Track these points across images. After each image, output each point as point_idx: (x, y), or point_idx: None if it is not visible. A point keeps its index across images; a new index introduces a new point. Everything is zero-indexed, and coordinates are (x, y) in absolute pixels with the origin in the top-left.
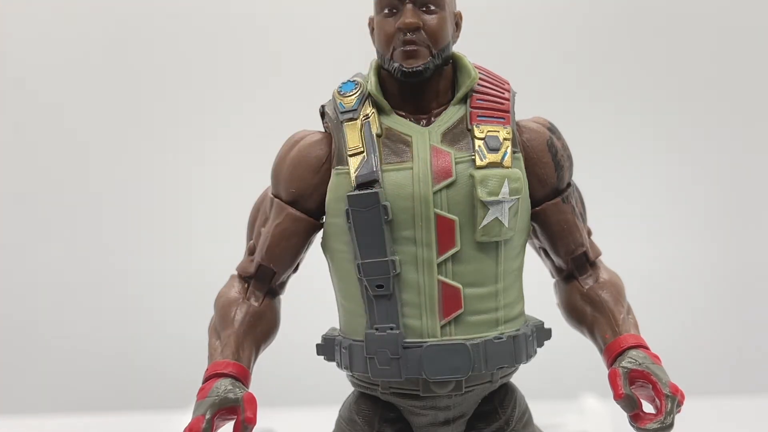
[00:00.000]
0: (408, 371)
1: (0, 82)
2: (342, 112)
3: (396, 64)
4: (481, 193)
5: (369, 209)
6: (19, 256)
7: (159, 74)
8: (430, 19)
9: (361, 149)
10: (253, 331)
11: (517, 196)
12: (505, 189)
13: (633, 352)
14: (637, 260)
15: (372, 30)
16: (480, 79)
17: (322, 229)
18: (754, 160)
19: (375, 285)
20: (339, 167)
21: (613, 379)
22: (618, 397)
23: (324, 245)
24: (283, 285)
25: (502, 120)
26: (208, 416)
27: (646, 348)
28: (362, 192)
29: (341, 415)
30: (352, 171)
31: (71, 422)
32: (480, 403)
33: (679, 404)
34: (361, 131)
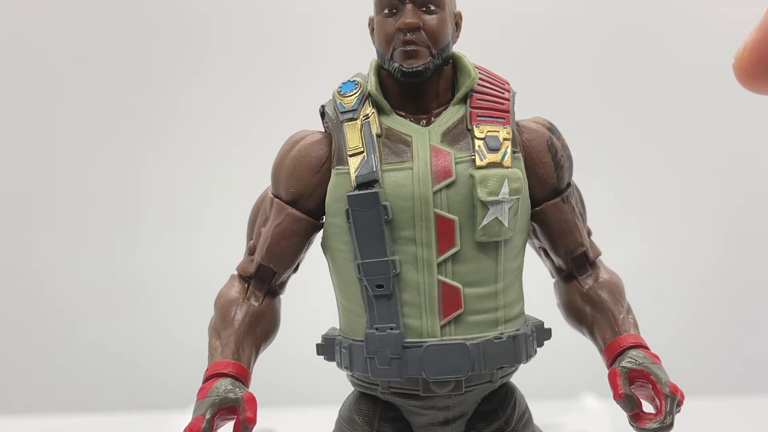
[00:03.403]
0: (408, 371)
1: (2, 80)
2: (342, 112)
3: (396, 64)
4: (481, 193)
5: (369, 209)
6: (20, 256)
7: (161, 74)
8: (430, 19)
9: (361, 149)
10: (253, 331)
11: (517, 196)
12: (505, 189)
13: (633, 352)
14: (637, 260)
15: (372, 30)
16: (480, 79)
17: (322, 229)
18: (754, 160)
19: (375, 285)
20: (339, 167)
21: (612, 379)
22: (618, 397)
23: (324, 245)
24: (283, 285)
25: (502, 120)
26: (208, 416)
27: (646, 348)
28: (362, 192)
29: (341, 415)
30: (352, 171)
31: (71, 422)
32: (480, 402)
33: (679, 404)
34: (361, 131)
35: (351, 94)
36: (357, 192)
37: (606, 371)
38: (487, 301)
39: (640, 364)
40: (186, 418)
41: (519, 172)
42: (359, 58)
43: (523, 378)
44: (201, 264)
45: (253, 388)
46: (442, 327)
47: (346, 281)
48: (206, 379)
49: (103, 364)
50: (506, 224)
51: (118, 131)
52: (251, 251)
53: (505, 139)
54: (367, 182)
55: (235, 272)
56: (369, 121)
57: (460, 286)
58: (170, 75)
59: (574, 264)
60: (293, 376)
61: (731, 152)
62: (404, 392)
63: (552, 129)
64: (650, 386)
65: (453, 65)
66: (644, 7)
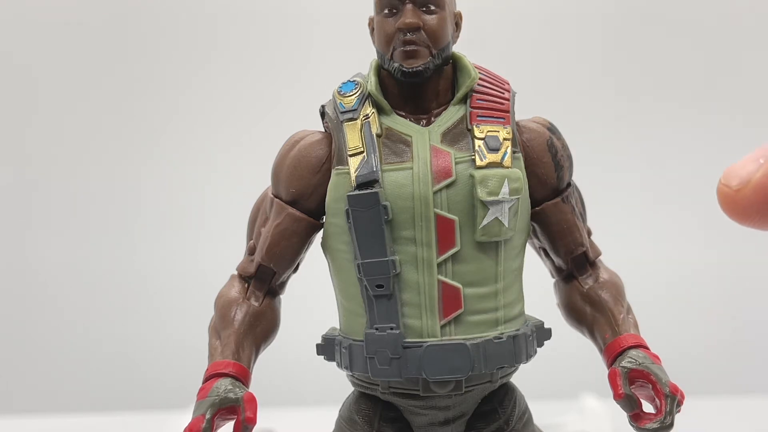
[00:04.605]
0: (408, 371)
1: (4, 79)
2: (342, 112)
3: (396, 64)
4: (481, 193)
5: (369, 209)
6: (20, 256)
7: (161, 74)
8: (430, 19)
9: (361, 149)
10: (253, 331)
11: (517, 196)
12: (505, 189)
13: (633, 352)
14: (637, 260)
15: (372, 30)
16: (480, 79)
17: (322, 229)
18: None
19: (375, 285)
20: (339, 167)
21: (612, 379)
22: (618, 397)
23: (324, 245)
24: (283, 285)
25: (502, 120)
26: (208, 416)
27: (646, 348)
28: (362, 192)
29: (341, 415)
30: (352, 171)
31: (71, 422)
32: (480, 402)
33: (679, 404)
34: (361, 131)
35: (351, 94)
36: (357, 192)
37: (606, 371)
38: (487, 301)
39: (640, 364)
40: (186, 418)
41: (519, 172)
42: (359, 58)
43: (523, 378)
44: (201, 264)
45: (253, 388)
46: (442, 327)
47: (346, 281)
48: (206, 379)
49: (103, 364)
50: (506, 224)
51: (117, 131)
52: (251, 251)
53: (505, 139)
54: (367, 182)
55: (235, 272)
56: (369, 121)
57: (460, 286)
58: (170, 75)
59: (574, 264)
60: (293, 376)
61: (732, 152)
62: (404, 392)
63: (552, 129)
64: (650, 386)
65: (453, 65)
66: (644, 6)
